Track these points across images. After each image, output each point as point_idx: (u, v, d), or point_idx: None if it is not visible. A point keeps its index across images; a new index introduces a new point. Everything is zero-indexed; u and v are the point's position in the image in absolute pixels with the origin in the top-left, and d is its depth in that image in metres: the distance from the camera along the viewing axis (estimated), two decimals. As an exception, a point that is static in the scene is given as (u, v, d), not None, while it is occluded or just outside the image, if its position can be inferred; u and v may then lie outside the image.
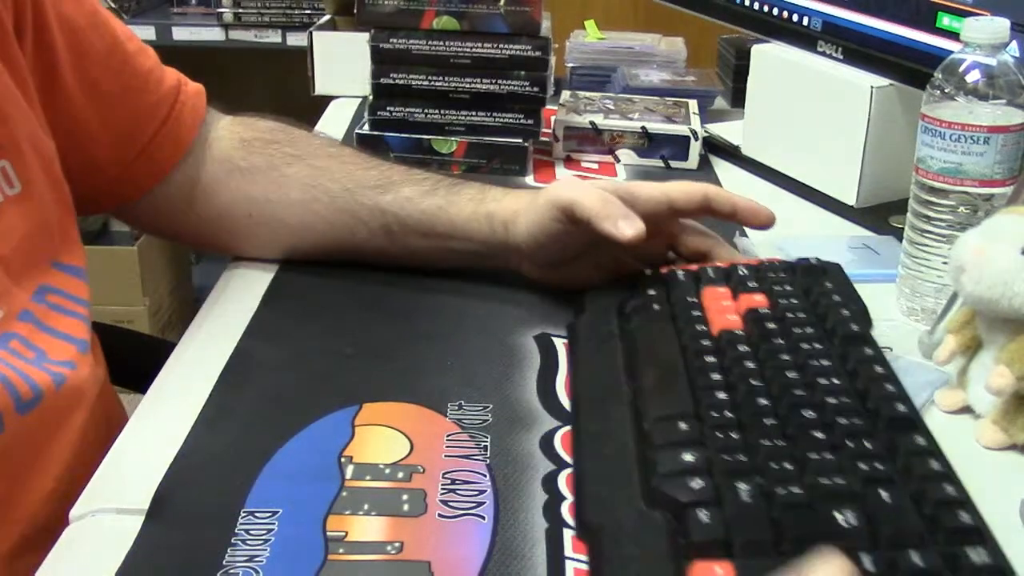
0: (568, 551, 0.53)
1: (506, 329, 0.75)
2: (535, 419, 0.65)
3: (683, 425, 0.55)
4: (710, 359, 0.61)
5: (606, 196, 0.71)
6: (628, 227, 0.69)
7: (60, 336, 0.69)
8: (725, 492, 0.49)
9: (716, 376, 0.60)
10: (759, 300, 0.68)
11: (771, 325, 0.64)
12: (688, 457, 0.52)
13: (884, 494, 0.49)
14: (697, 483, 0.50)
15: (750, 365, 0.60)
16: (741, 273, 0.71)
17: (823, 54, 1.01)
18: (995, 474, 0.62)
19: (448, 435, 0.62)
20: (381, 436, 0.62)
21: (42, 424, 0.66)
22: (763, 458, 0.52)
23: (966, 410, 0.67)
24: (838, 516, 0.47)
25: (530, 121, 1.07)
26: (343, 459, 0.59)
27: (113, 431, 0.64)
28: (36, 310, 0.68)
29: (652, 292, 0.70)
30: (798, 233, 0.93)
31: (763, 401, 0.57)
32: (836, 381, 0.58)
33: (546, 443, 0.63)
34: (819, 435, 0.54)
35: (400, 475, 0.58)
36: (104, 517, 0.55)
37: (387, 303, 0.80)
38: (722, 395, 0.58)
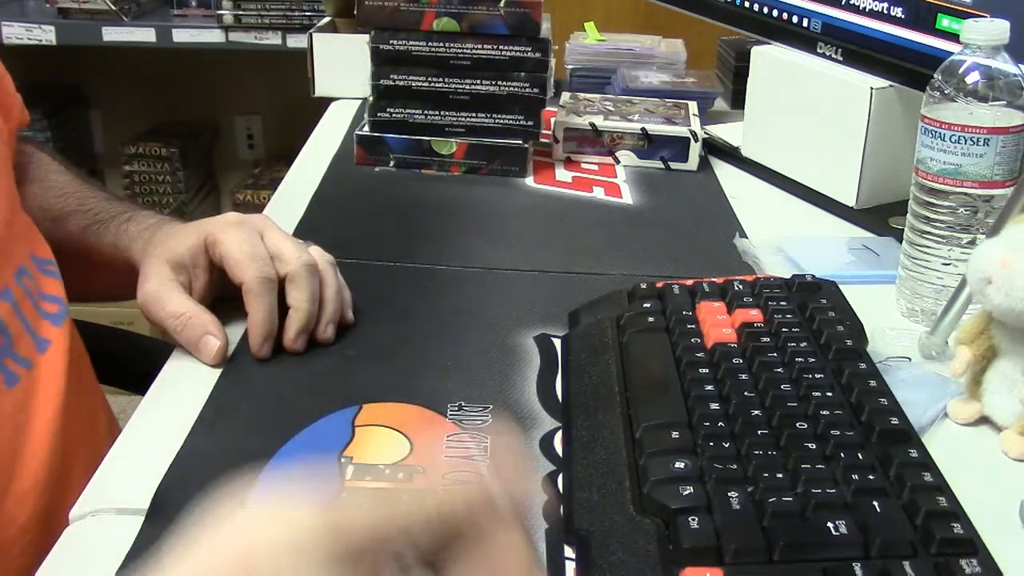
0: (568, 551, 0.53)
1: (506, 330, 0.75)
2: (535, 420, 0.65)
3: (675, 433, 0.55)
4: (704, 371, 0.62)
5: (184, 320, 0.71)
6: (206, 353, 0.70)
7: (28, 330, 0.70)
8: (716, 500, 0.49)
9: (709, 387, 0.60)
10: (754, 315, 0.68)
11: (765, 339, 0.65)
12: (680, 465, 0.52)
13: (876, 504, 0.49)
14: (688, 490, 0.50)
15: (744, 377, 0.60)
16: (737, 288, 0.71)
17: (823, 55, 1.01)
18: (999, 480, 0.62)
19: (448, 436, 0.62)
20: (381, 437, 0.62)
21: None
22: (755, 467, 0.52)
23: (981, 420, 0.66)
24: (830, 525, 0.48)
25: (530, 122, 1.07)
26: (343, 459, 0.59)
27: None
28: (15, 291, 0.69)
29: (648, 305, 0.70)
30: (797, 234, 0.94)
31: (756, 412, 0.57)
32: (830, 394, 0.59)
33: (546, 444, 0.63)
34: (812, 446, 0.54)
35: (400, 476, 0.58)
36: (104, 517, 0.55)
37: (387, 303, 0.80)
38: (715, 406, 0.58)
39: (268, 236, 0.73)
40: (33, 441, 0.68)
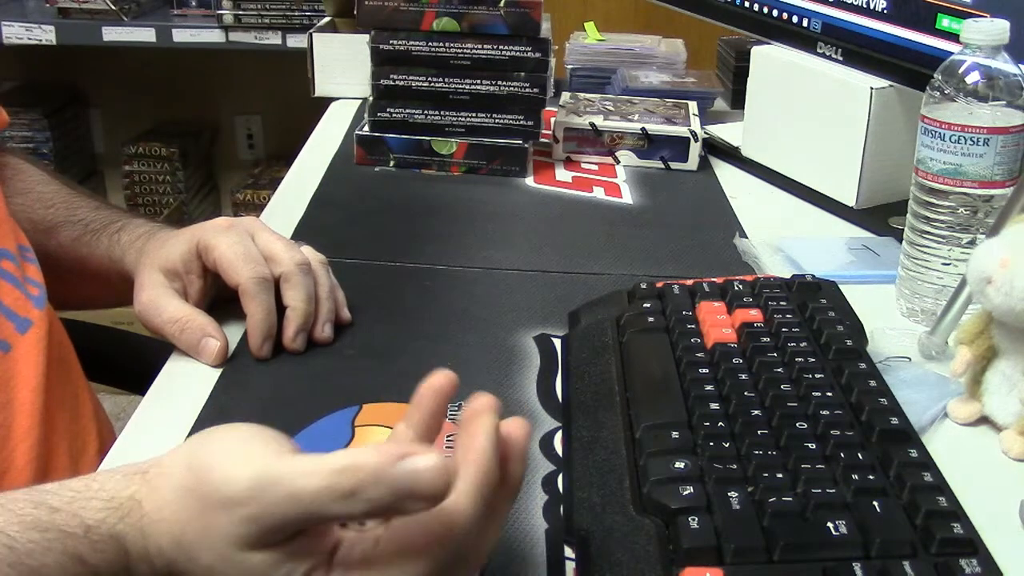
0: (568, 551, 0.53)
1: (506, 330, 0.75)
2: (535, 420, 0.65)
3: (675, 433, 0.55)
4: (704, 371, 0.62)
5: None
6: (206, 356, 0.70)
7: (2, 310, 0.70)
8: (716, 500, 0.49)
9: (709, 387, 0.60)
10: (754, 315, 0.68)
11: (765, 339, 0.65)
12: (680, 465, 0.52)
13: (876, 504, 0.49)
14: (688, 490, 0.50)
15: (744, 377, 0.61)
16: (737, 288, 0.71)
17: (823, 55, 1.01)
18: (999, 480, 0.62)
19: (448, 436, 0.62)
20: (381, 436, 0.62)
21: None
22: (755, 467, 0.52)
23: (981, 420, 0.66)
24: (830, 525, 0.48)
25: (530, 122, 1.07)
26: (343, 459, 0.59)
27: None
28: None
29: (648, 305, 0.70)
30: (797, 234, 0.94)
31: (756, 412, 0.57)
32: (830, 394, 0.59)
33: (546, 444, 0.63)
34: (812, 446, 0.54)
35: (400, 475, 0.58)
36: (104, 517, 0.55)
37: (387, 304, 0.80)
38: (715, 406, 0.58)
39: (259, 237, 0.73)
40: (14, 422, 0.68)
